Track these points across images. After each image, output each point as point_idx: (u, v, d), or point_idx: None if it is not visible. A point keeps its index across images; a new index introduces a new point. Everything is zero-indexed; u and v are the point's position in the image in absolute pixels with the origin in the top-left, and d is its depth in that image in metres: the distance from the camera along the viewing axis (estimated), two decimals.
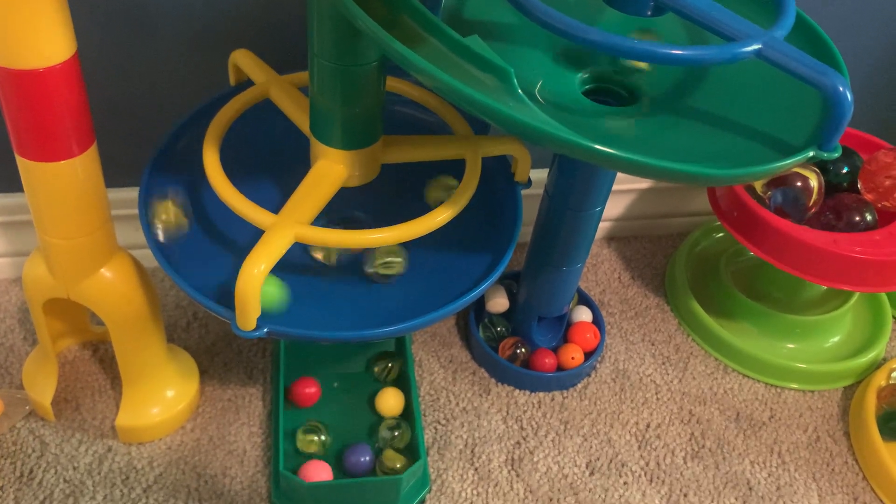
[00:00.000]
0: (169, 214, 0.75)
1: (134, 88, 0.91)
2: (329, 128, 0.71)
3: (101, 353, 0.96)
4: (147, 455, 0.87)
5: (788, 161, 0.61)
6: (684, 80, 0.74)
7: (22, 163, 0.69)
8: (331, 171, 0.73)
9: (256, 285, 0.64)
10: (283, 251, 0.66)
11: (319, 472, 0.82)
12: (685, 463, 0.92)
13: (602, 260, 1.16)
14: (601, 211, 0.85)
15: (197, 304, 1.03)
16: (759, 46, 0.61)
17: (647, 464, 0.92)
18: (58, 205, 0.72)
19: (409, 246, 0.79)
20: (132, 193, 0.95)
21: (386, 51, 0.59)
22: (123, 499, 0.84)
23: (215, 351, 0.98)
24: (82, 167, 0.70)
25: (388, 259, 0.76)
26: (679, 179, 0.59)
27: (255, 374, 0.96)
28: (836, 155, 0.62)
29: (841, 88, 0.60)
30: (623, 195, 1.14)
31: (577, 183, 0.82)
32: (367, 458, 0.84)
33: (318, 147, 0.73)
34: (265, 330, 0.67)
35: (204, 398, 0.93)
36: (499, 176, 0.84)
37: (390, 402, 0.90)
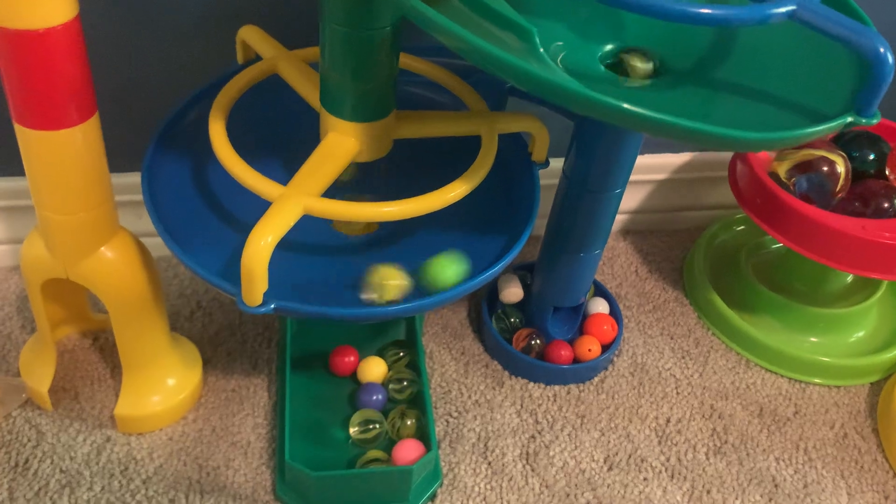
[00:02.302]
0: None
1: (137, 69, 0.89)
2: (340, 99, 0.68)
3: (102, 342, 0.93)
4: (147, 446, 0.84)
5: (825, 126, 0.58)
6: (711, 51, 0.71)
7: (20, 131, 0.66)
8: (341, 144, 0.70)
9: (263, 257, 0.61)
10: (292, 223, 0.63)
11: (412, 450, 0.81)
12: (707, 459, 0.88)
13: (618, 253, 1.12)
14: (621, 194, 0.82)
15: (201, 294, 1.00)
16: (794, 7, 0.58)
17: (668, 459, 0.88)
18: (56, 177, 0.69)
19: (422, 227, 0.76)
20: (135, 178, 0.93)
21: (405, 11, 0.56)
22: (122, 490, 0.80)
23: (219, 340, 0.95)
24: (83, 137, 0.68)
25: (387, 282, 0.70)
26: (710, 142, 0.56)
27: (260, 364, 0.93)
28: (875, 121, 0.59)
29: (882, 50, 0.57)
30: (639, 187, 1.11)
31: (596, 162, 0.79)
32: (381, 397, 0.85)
33: (328, 120, 0.70)
34: (272, 306, 0.64)
35: (207, 388, 0.89)
36: (515, 157, 0.81)
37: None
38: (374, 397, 0.86)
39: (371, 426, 0.83)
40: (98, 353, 0.92)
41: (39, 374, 0.85)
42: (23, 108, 0.64)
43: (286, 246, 0.69)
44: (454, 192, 0.68)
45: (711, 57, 0.71)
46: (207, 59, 0.89)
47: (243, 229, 0.72)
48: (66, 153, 0.67)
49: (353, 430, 0.83)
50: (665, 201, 1.14)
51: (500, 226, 0.77)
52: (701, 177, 1.12)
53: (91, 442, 0.84)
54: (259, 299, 0.63)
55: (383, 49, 0.66)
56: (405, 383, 0.87)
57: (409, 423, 0.83)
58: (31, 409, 0.86)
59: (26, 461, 0.81)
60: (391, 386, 0.87)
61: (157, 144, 0.76)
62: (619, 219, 1.14)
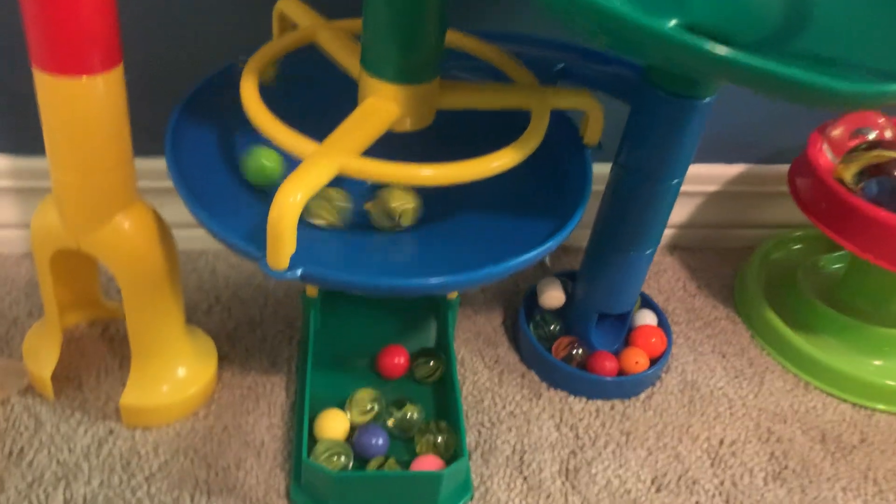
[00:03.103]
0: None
1: (168, 44, 0.85)
2: (383, 56, 0.63)
3: (112, 332, 0.87)
4: (153, 441, 0.77)
5: None
6: (781, 22, 0.65)
7: (39, 78, 0.61)
8: (382, 108, 0.64)
9: (292, 215, 0.55)
10: (325, 181, 0.57)
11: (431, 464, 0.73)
12: (766, 484, 0.80)
13: (665, 268, 1.05)
14: (678, 184, 0.76)
15: (220, 288, 0.94)
16: None
17: (722, 483, 0.80)
18: (73, 130, 0.63)
19: (464, 212, 0.69)
20: (160, 163, 0.88)
21: None
22: (121, 486, 0.73)
23: (237, 336, 0.88)
24: (105, 88, 0.63)
25: (396, 204, 0.65)
26: (797, 92, 0.50)
27: (280, 362, 0.86)
28: None
29: None
30: (688, 200, 1.05)
31: (654, 148, 0.73)
32: (381, 441, 0.75)
33: (367, 84, 0.65)
34: (299, 272, 0.58)
35: (221, 385, 0.83)
36: (565, 140, 0.75)
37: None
38: (374, 441, 0.74)
39: (370, 407, 0.77)
40: (107, 343, 0.86)
41: (43, 359, 0.79)
42: (43, 49, 0.60)
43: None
44: (499, 161, 0.62)
45: (782, 29, 0.66)
46: (241, 36, 0.84)
47: (270, 198, 0.66)
48: (85, 103, 0.62)
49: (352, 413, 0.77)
50: (715, 216, 1.07)
51: (548, 213, 0.70)
52: (754, 191, 1.05)
53: (92, 434, 0.77)
54: (285, 262, 0.57)
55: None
56: (431, 363, 0.81)
57: (430, 438, 0.76)
58: (32, 396, 0.79)
59: (21, 450, 0.75)
60: (417, 373, 0.82)
61: (184, 109, 0.71)
62: (667, 233, 1.07)
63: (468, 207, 0.70)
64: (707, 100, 0.70)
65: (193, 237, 0.97)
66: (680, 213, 1.06)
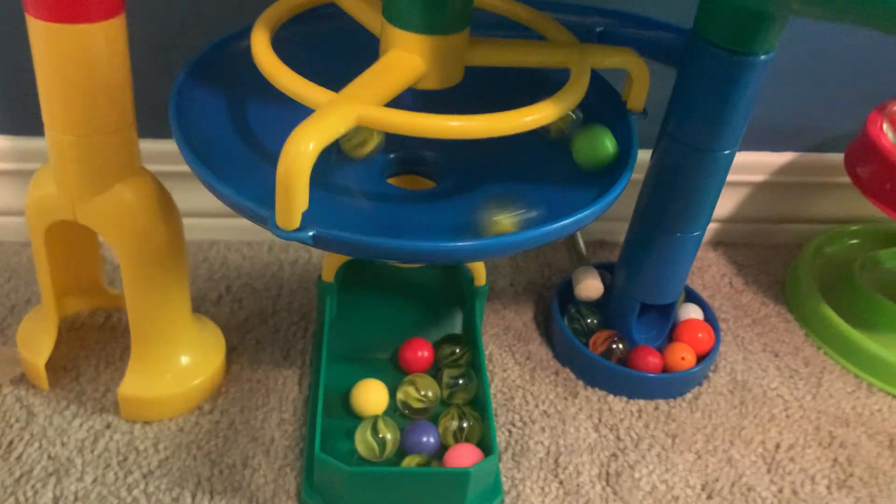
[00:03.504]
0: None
1: (176, 16, 0.80)
2: (407, 2, 0.57)
3: (115, 322, 0.81)
4: (153, 435, 0.70)
5: None
6: None
7: (32, 25, 0.56)
8: (404, 60, 0.58)
9: (303, 166, 0.49)
10: (340, 131, 0.51)
11: (469, 457, 0.66)
12: (830, 493, 0.72)
13: (708, 264, 0.98)
14: (731, 155, 0.69)
15: (231, 278, 0.88)
16: None
17: (781, 490, 0.71)
18: (69, 84, 0.58)
19: (492, 181, 0.63)
20: (169, 146, 0.83)
21: None
22: (116, 483, 0.66)
23: (248, 328, 0.82)
24: (104, 39, 0.57)
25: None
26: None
27: (293, 354, 0.79)
28: None
29: None
30: (732, 191, 0.97)
31: (706, 112, 0.66)
32: (432, 440, 0.67)
33: (390, 35, 0.59)
34: (310, 233, 0.51)
35: (229, 378, 0.76)
36: (606, 107, 0.68)
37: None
38: (424, 438, 0.68)
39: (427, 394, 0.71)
40: (109, 332, 0.80)
41: (37, 346, 0.73)
42: None
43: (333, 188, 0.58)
44: (534, 114, 0.55)
45: None
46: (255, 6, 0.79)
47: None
48: (82, 54, 0.57)
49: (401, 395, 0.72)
50: (761, 210, 0.99)
51: (591, 181, 0.64)
52: (804, 182, 0.98)
53: (88, 427, 0.71)
54: (296, 221, 0.51)
55: None
56: (461, 381, 0.73)
57: (465, 425, 0.69)
58: (26, 387, 0.73)
59: (10, 443, 0.68)
60: (439, 356, 0.74)
61: (191, 72, 0.65)
62: (710, 228, 1.00)
63: (502, 176, 0.64)
64: (763, 57, 0.63)
65: (204, 226, 0.91)
66: (723, 206, 0.98)
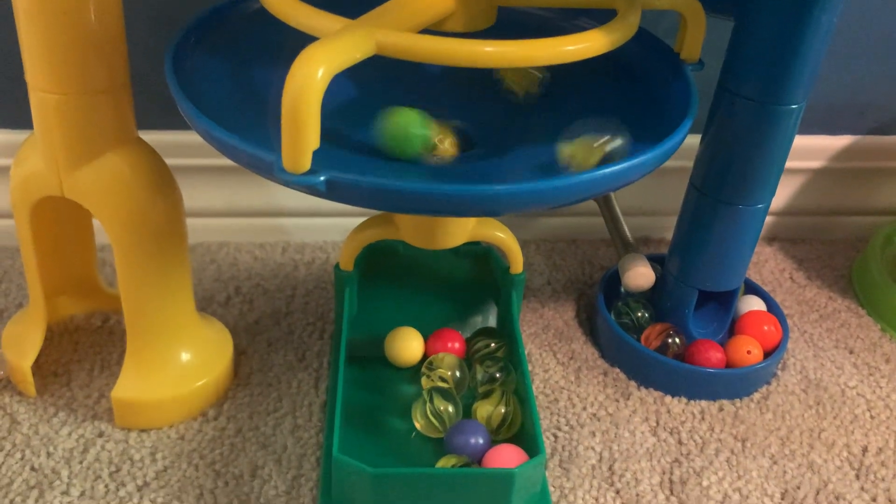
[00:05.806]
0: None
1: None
2: None
3: (112, 325, 0.73)
4: (150, 444, 0.62)
5: None
6: None
7: None
8: None
9: (314, 95, 0.41)
10: (357, 58, 0.44)
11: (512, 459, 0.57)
12: None
13: (765, 258, 0.89)
14: (799, 112, 0.61)
15: (241, 279, 0.80)
16: None
17: (875, 499, 0.61)
18: (54, 35, 0.51)
19: (532, 141, 0.55)
20: (172, 136, 0.76)
21: None
22: (108, 496, 0.58)
23: (259, 329, 0.74)
24: None
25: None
26: None
27: (309, 357, 0.71)
28: None
29: None
30: (787, 180, 0.89)
31: (769, 60, 0.58)
32: (482, 441, 0.59)
33: None
34: (322, 178, 0.43)
35: (237, 382, 0.68)
36: (661, 67, 0.60)
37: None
38: (473, 440, 0.59)
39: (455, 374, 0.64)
40: (105, 335, 0.72)
41: (24, 347, 0.65)
42: None
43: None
44: (577, 44, 0.47)
45: None
46: None
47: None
48: (69, 4, 0.50)
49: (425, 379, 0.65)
50: (820, 200, 0.91)
51: (646, 133, 0.55)
52: (865, 167, 0.89)
53: (78, 436, 0.62)
54: (306, 163, 0.43)
55: None
56: (498, 375, 0.64)
57: (502, 410, 0.61)
58: (11, 393, 0.65)
59: None
60: (479, 377, 0.64)
61: (189, 32, 0.58)
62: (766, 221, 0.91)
63: (535, 138, 0.56)
64: None
65: (211, 227, 0.84)
66: (777, 196, 0.90)
